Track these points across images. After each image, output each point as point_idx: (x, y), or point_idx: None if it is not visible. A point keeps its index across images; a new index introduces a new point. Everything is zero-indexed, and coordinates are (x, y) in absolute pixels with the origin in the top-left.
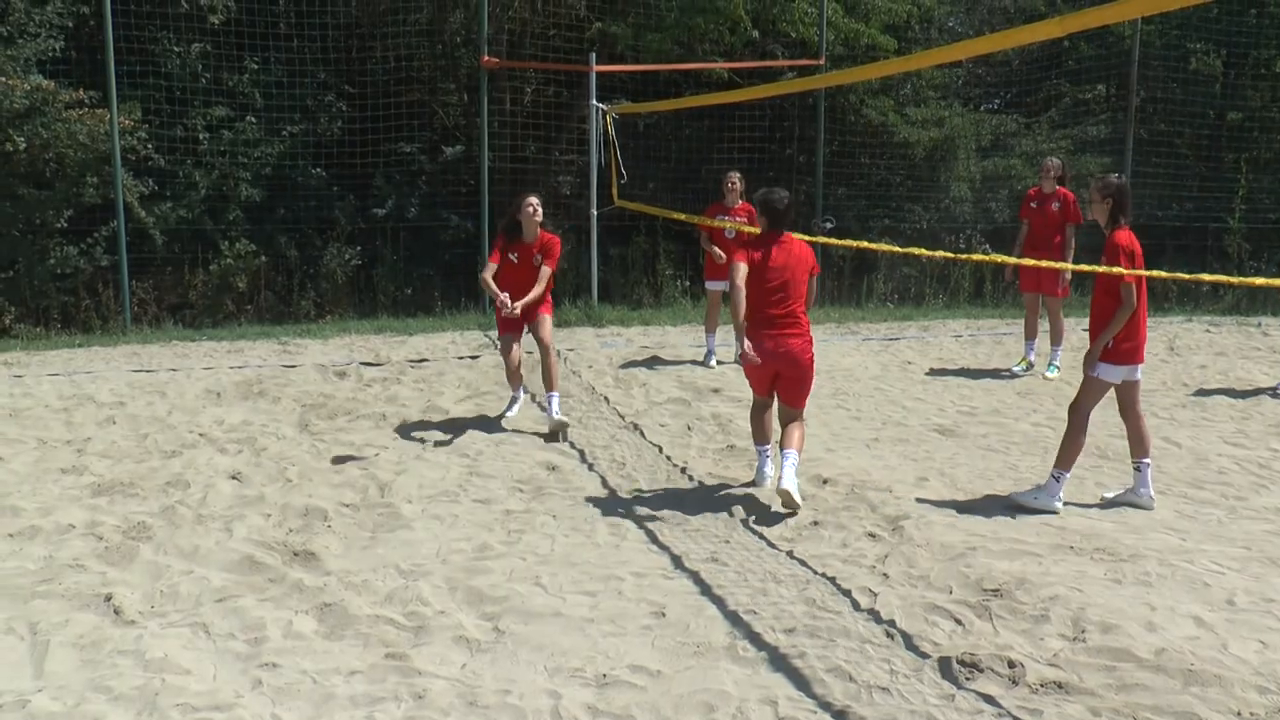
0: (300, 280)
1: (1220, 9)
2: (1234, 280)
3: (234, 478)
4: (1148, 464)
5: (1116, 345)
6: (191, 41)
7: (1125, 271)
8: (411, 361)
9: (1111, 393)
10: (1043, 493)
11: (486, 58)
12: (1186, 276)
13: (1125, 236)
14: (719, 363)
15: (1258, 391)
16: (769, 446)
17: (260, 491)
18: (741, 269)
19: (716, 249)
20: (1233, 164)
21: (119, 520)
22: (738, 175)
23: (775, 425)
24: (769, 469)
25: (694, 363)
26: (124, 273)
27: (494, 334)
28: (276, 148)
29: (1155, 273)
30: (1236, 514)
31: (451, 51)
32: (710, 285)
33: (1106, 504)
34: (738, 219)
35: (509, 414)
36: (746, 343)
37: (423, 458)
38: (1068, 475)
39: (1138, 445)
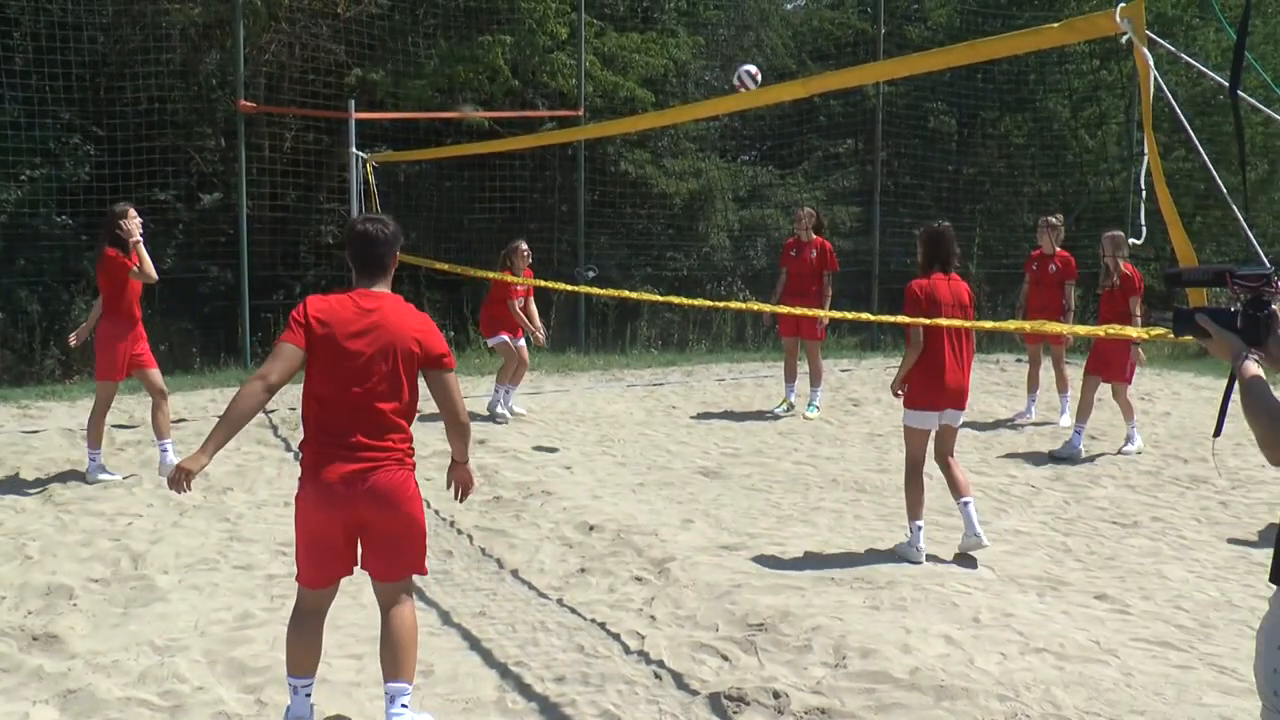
0: (43, 337)
1: (952, 73)
2: (971, 324)
3: None
4: (968, 502)
5: (918, 391)
6: None
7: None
8: (172, 423)
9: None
10: (905, 545)
11: (243, 102)
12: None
13: (920, 284)
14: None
15: (997, 424)
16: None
17: None
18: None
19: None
20: (970, 214)
21: None
22: (524, 243)
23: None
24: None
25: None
26: None
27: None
28: (14, 193)
29: (892, 318)
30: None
31: (208, 94)
32: (496, 341)
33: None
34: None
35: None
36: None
37: (180, 524)
38: (920, 524)
39: (954, 487)
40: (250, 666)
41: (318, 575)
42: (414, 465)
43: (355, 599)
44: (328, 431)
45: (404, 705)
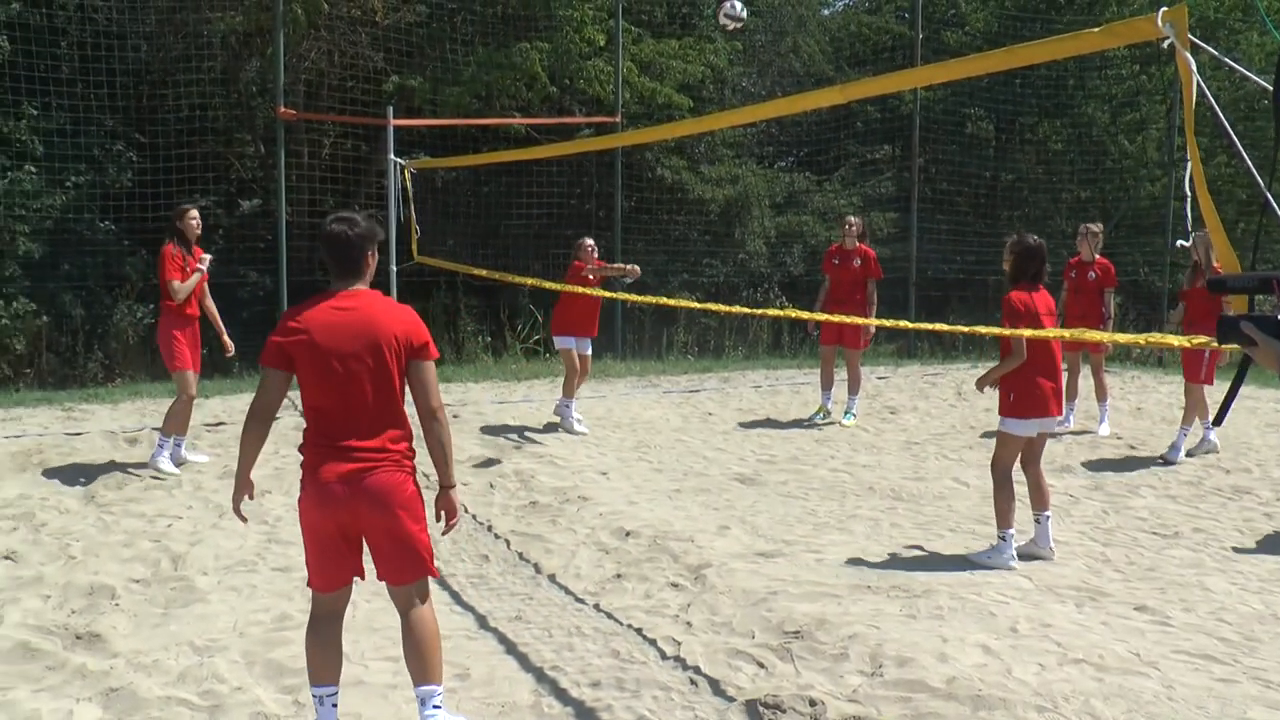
0: (86, 341)
1: (990, 78)
2: (1011, 332)
3: (7, 558)
4: (1048, 516)
5: (1021, 400)
6: None
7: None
8: (208, 425)
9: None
10: (995, 553)
11: (283, 109)
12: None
13: (1019, 296)
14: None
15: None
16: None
17: (38, 571)
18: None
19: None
20: (1007, 221)
21: None
22: (591, 240)
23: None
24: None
25: (535, 426)
26: None
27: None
28: (59, 199)
29: (934, 325)
30: (1018, 545)
31: (247, 101)
32: (562, 343)
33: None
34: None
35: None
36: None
37: (219, 526)
38: (1012, 531)
39: (1037, 498)
40: (288, 668)
41: (326, 578)
42: (414, 467)
43: (392, 602)
44: (324, 434)
45: (436, 706)
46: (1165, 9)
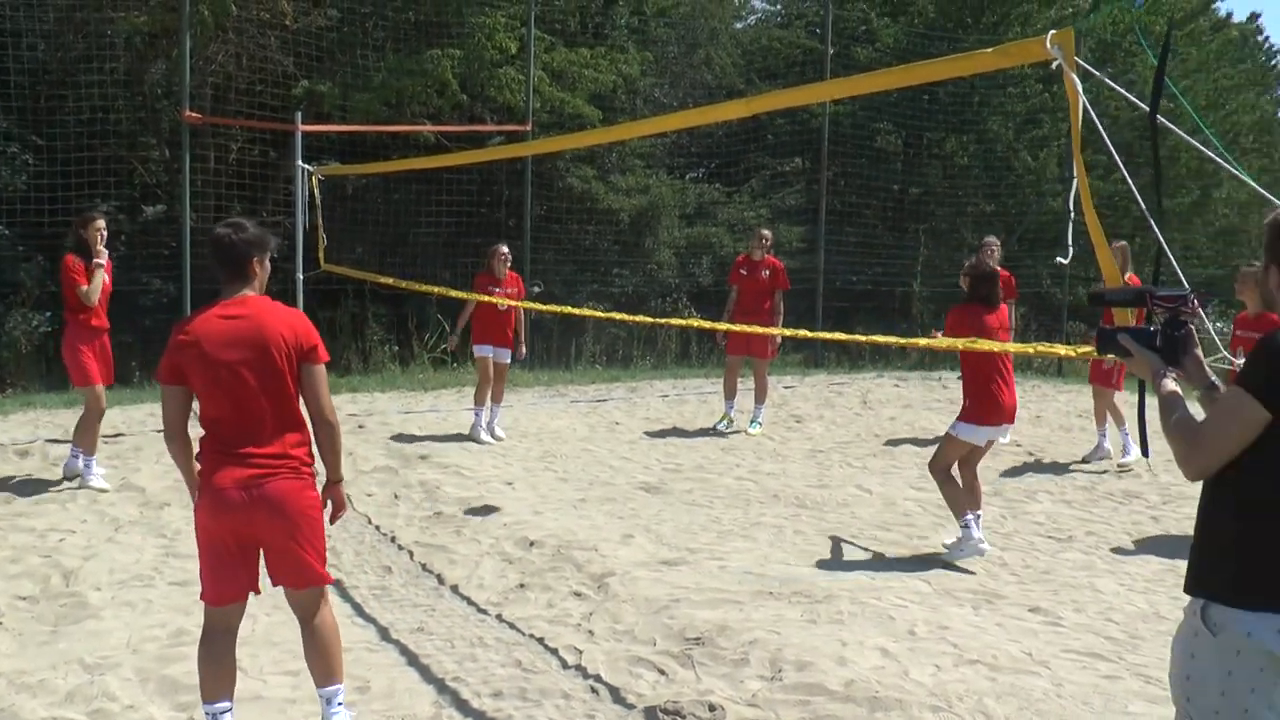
0: None
1: (898, 94)
2: (920, 342)
3: None
4: (979, 515)
5: (975, 407)
6: None
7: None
8: (105, 437)
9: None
10: (963, 543)
11: (189, 112)
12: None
13: (961, 310)
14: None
15: (938, 439)
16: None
17: None
18: None
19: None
20: (914, 234)
21: None
22: (506, 247)
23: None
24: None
25: (441, 436)
26: None
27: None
28: None
29: (840, 335)
30: (918, 551)
31: (152, 104)
32: (480, 353)
33: (946, 554)
34: (508, 291)
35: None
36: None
37: (114, 540)
38: (970, 516)
39: (970, 499)
40: (183, 684)
41: (220, 591)
42: (313, 474)
43: (292, 615)
44: (220, 442)
45: (340, 703)
46: (1054, 31)
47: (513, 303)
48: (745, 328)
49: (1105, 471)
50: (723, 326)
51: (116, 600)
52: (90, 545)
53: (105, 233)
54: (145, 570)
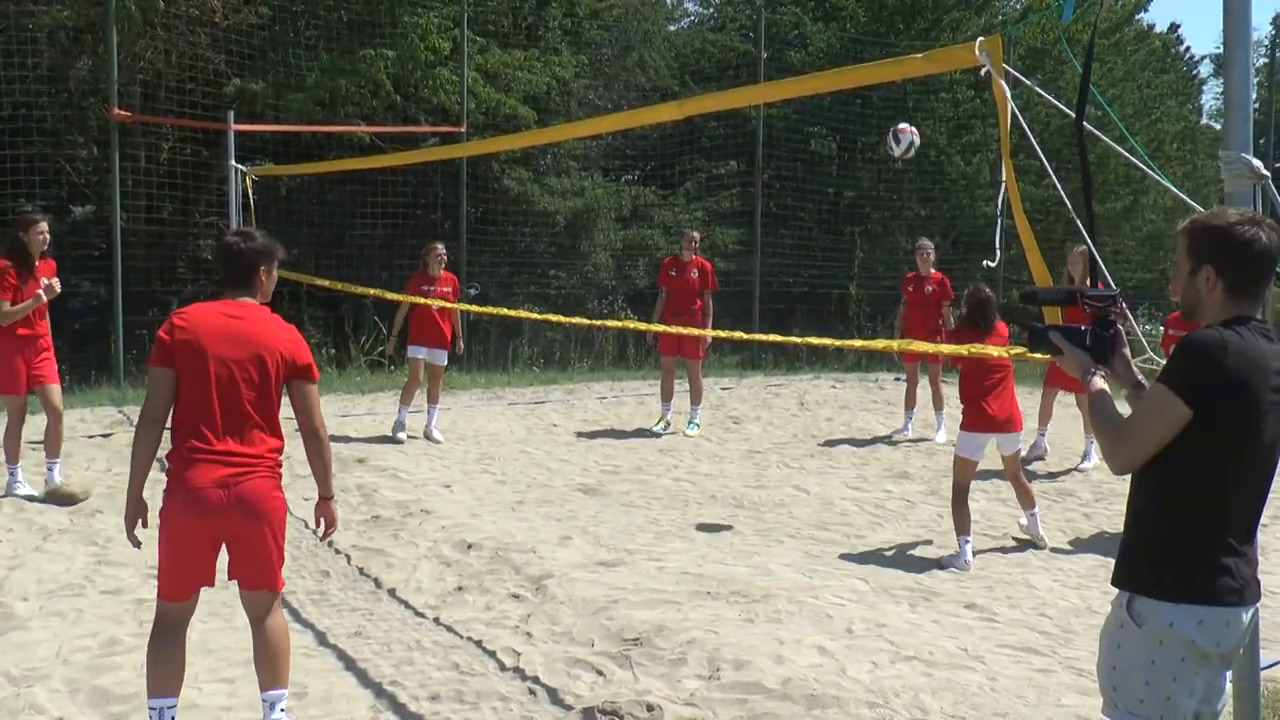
0: None
1: (832, 98)
2: (854, 344)
3: None
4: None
5: (965, 418)
6: None
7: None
8: (32, 443)
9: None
10: (956, 558)
11: (117, 110)
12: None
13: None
14: (410, 437)
15: (875, 440)
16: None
17: None
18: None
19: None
20: (849, 236)
21: None
22: (442, 246)
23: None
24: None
25: (378, 439)
26: None
27: (130, 410)
28: None
29: (774, 337)
30: (856, 550)
31: (79, 101)
32: (413, 354)
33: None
34: (443, 290)
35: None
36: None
37: (43, 549)
38: (967, 538)
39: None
40: (115, 694)
41: (180, 587)
42: (281, 476)
43: (229, 621)
44: (199, 438)
45: (283, 709)
46: (982, 39)
47: (448, 304)
48: (678, 329)
49: (1036, 465)
50: (657, 328)
51: (45, 610)
52: (16, 555)
53: (48, 236)
54: (75, 579)
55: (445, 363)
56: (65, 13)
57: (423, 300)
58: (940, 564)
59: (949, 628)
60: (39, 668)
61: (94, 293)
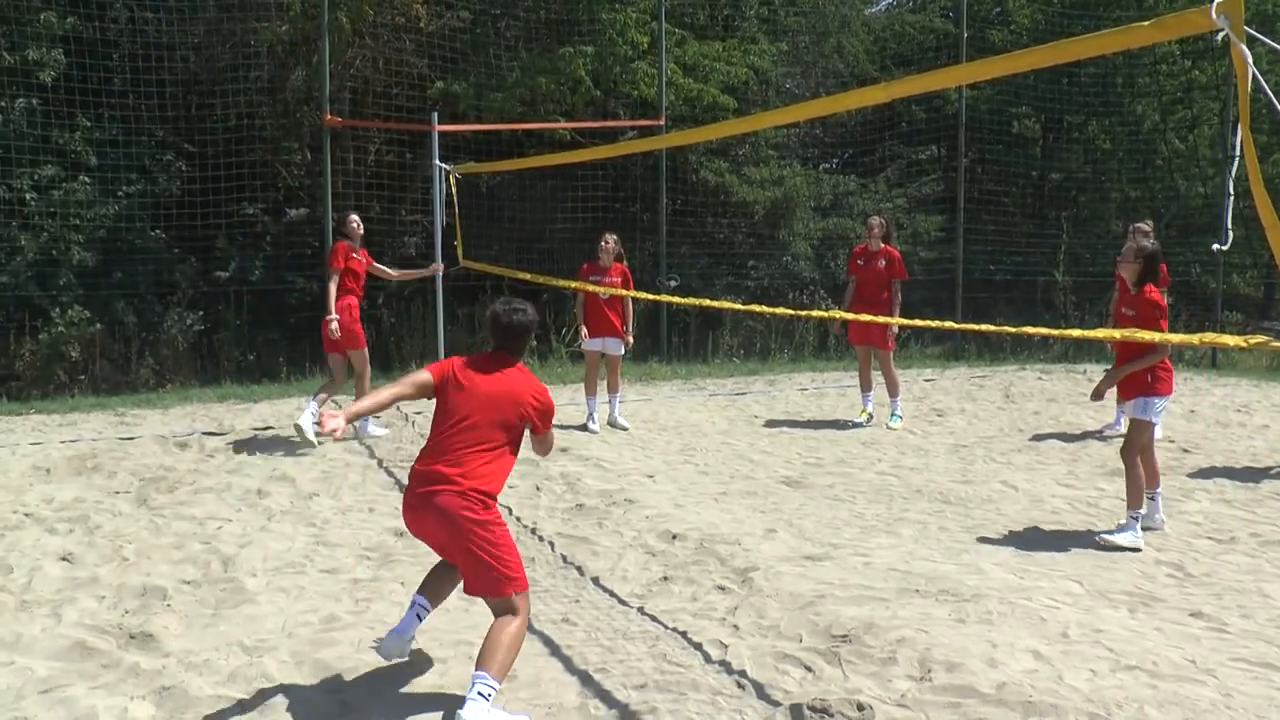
0: (138, 348)
1: (1036, 76)
2: (1060, 333)
3: (64, 559)
4: (1158, 493)
5: (1167, 380)
6: (15, 97)
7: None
8: (256, 429)
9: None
10: (1125, 531)
11: (329, 116)
12: (1015, 330)
13: (1156, 294)
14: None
15: (1086, 435)
16: None
17: (93, 572)
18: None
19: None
20: (1055, 221)
21: None
22: (613, 237)
23: None
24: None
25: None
26: None
27: (341, 399)
28: (112, 208)
29: (986, 327)
30: (1068, 550)
31: (294, 110)
32: (587, 346)
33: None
34: (612, 280)
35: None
36: None
37: (268, 529)
38: (1143, 511)
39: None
40: (335, 668)
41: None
42: (484, 504)
43: (443, 606)
44: (432, 453)
45: (479, 694)
46: (1219, 0)
47: (628, 294)
48: (865, 317)
49: (1272, 469)
50: (848, 316)
51: (271, 586)
52: (245, 534)
53: (356, 224)
54: (297, 558)
55: (621, 352)
56: (284, 27)
57: (592, 288)
58: (1108, 535)
59: (1173, 636)
60: (268, 639)
61: (307, 289)
